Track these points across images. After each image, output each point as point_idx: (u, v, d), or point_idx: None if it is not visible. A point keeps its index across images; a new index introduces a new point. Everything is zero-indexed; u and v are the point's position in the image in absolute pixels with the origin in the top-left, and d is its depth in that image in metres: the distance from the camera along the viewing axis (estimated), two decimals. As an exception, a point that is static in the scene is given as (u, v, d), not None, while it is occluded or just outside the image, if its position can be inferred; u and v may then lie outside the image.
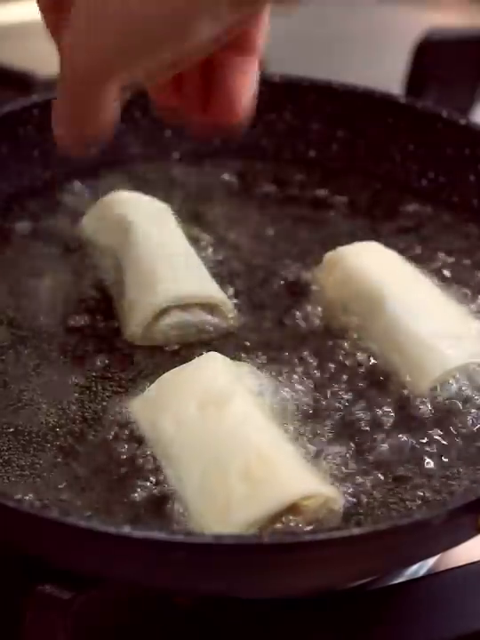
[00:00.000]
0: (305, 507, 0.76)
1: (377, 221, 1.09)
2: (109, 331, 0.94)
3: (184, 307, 0.93)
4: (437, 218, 1.10)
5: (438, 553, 0.87)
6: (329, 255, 1.00)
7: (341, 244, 1.00)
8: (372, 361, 0.91)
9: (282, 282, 1.00)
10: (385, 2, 1.61)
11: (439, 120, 1.11)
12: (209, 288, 0.96)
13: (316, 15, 1.55)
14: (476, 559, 0.85)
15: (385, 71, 1.35)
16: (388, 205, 1.11)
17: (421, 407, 0.87)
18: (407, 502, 0.80)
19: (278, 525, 0.76)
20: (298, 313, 0.96)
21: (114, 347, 0.93)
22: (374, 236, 1.05)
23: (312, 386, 0.89)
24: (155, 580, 0.74)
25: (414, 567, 0.88)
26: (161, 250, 0.99)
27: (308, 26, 1.56)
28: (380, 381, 0.90)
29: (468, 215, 1.09)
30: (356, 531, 0.70)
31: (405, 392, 0.89)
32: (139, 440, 0.83)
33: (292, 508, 0.76)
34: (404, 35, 1.39)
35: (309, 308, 0.97)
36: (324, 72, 1.17)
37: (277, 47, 1.44)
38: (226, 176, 1.15)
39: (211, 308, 0.94)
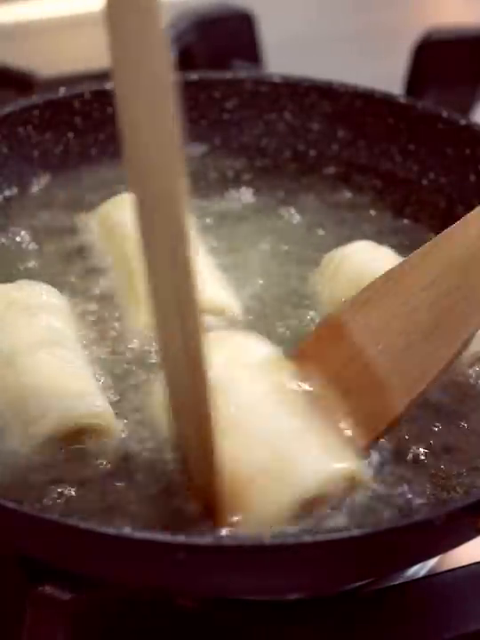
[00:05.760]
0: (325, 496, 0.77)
1: (377, 221, 1.09)
2: (111, 333, 0.94)
3: None
4: (437, 217, 1.09)
5: (439, 554, 0.86)
6: (329, 256, 1.00)
7: (341, 245, 1.00)
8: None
9: (282, 282, 1.00)
10: (385, 1, 1.61)
11: (439, 120, 1.11)
12: (217, 293, 0.96)
13: (315, 15, 1.55)
14: (476, 559, 0.85)
15: (385, 71, 1.35)
16: (389, 205, 1.11)
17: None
18: (411, 500, 0.80)
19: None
20: (300, 313, 0.96)
21: (116, 348, 0.93)
22: (374, 235, 1.05)
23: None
24: (155, 581, 0.74)
25: (415, 567, 0.88)
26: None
27: (308, 26, 1.56)
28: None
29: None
30: (355, 532, 0.70)
31: None
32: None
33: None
34: (404, 35, 1.39)
35: (311, 307, 0.97)
36: (324, 72, 1.17)
37: (277, 47, 1.45)
38: (226, 176, 1.15)
39: (218, 310, 0.95)
